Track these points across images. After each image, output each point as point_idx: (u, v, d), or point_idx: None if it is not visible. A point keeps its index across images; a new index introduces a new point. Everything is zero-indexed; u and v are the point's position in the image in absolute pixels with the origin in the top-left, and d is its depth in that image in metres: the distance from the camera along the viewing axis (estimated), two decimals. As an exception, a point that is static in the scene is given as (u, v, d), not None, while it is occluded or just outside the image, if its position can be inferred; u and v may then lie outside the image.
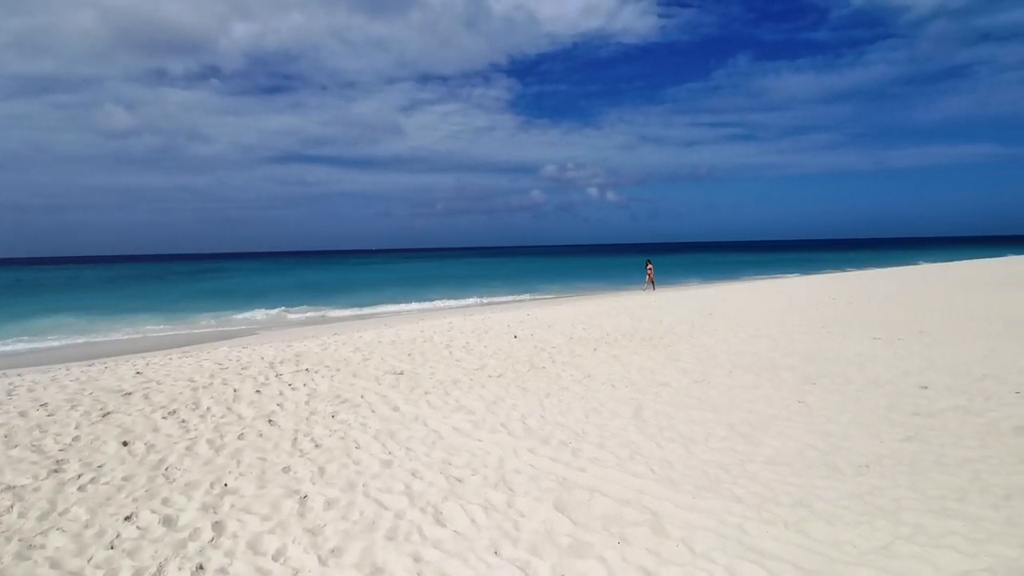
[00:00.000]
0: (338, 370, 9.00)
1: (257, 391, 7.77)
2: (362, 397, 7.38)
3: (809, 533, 3.73)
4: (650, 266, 27.83)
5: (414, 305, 24.77)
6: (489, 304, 24.23)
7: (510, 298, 27.35)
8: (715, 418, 6.16)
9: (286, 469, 5.09)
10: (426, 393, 7.47)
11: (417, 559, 3.60)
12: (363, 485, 4.70)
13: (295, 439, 5.86)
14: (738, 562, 3.43)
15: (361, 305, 25.38)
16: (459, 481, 4.71)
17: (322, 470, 5.03)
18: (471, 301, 26.29)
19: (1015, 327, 11.13)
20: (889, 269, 37.38)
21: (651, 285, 26.89)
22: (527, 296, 28.32)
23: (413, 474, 4.89)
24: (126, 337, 17.52)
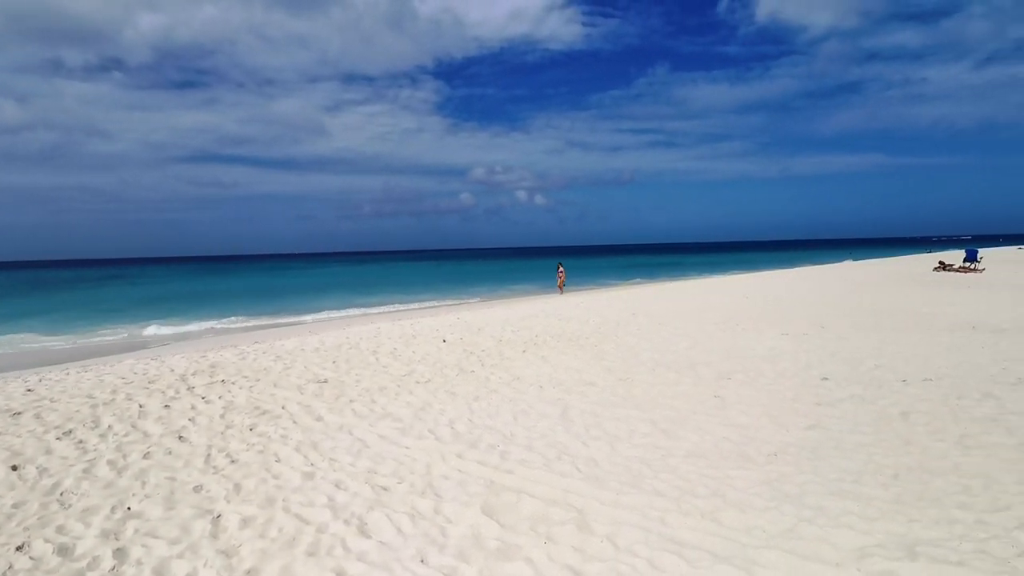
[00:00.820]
0: (257, 380, 8.59)
1: (166, 406, 7.28)
2: (283, 408, 7.07)
3: (723, 521, 3.92)
4: (561, 269, 27.94)
5: (340, 311, 24.07)
6: (418, 308, 23.93)
7: (440, 302, 27.14)
8: (638, 415, 6.36)
9: (197, 488, 4.79)
10: (351, 401, 7.26)
11: (340, 574, 3.48)
12: (283, 500, 4.50)
13: (208, 455, 5.53)
14: (659, 554, 3.55)
15: (283, 312, 24.39)
16: (385, 490, 4.61)
17: (238, 487, 4.78)
18: (399, 305, 25.87)
19: (902, 320, 12.23)
20: (796, 269, 40.08)
21: (560, 288, 26.93)
22: (457, 299, 28.20)
23: (337, 485, 4.74)
24: (15, 351, 15.96)
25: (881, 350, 9.25)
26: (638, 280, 39.83)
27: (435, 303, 26.55)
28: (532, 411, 6.63)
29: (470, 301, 26.88)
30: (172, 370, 9.58)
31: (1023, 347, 9.07)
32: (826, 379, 7.58)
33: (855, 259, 53.03)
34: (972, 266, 27.01)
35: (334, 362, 9.77)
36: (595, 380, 7.99)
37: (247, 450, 5.63)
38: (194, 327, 20.52)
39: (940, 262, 29.54)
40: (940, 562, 3.34)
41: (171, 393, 7.92)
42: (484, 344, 11.11)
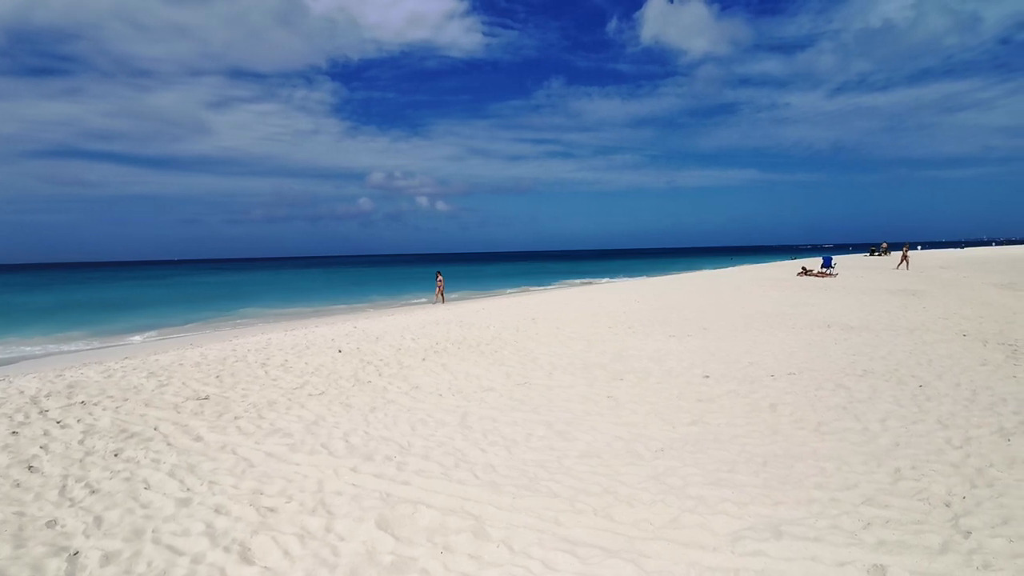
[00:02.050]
0: (125, 400, 7.79)
1: (13, 432, 6.41)
2: (156, 429, 6.46)
3: (614, 517, 4.09)
4: (440, 278, 26.99)
5: (226, 321, 22.48)
6: (312, 317, 22.88)
7: (336, 310, 26.14)
8: (536, 418, 6.48)
9: (51, 523, 4.25)
10: (236, 418, 6.78)
11: (219, 605, 3.23)
12: (153, 531, 4.10)
13: (64, 486, 4.92)
14: (553, 554, 3.63)
15: (161, 324, 22.38)
16: (272, 511, 4.34)
17: (99, 519, 4.30)
18: (293, 315, 24.62)
19: (771, 321, 13.45)
20: (682, 274, 42.87)
21: (441, 297, 26.02)
22: (355, 307, 27.31)
23: (217, 510, 4.40)
24: None
25: (753, 348, 10.11)
26: (538, 286, 40.73)
27: (331, 311, 25.53)
28: (431, 420, 6.55)
29: (368, 309, 26.12)
30: (21, 392, 8.46)
31: (868, 342, 10.30)
32: (707, 377, 8.15)
33: (733, 265, 57.81)
34: (828, 271, 30.31)
35: (217, 377, 9.09)
36: (494, 386, 8.05)
37: (111, 478, 5.09)
38: (52, 341, 18.25)
39: (803, 268, 32.86)
40: (801, 539, 3.69)
41: (19, 418, 6.99)
42: (382, 353, 10.85)
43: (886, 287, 21.76)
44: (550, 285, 41.13)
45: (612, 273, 56.56)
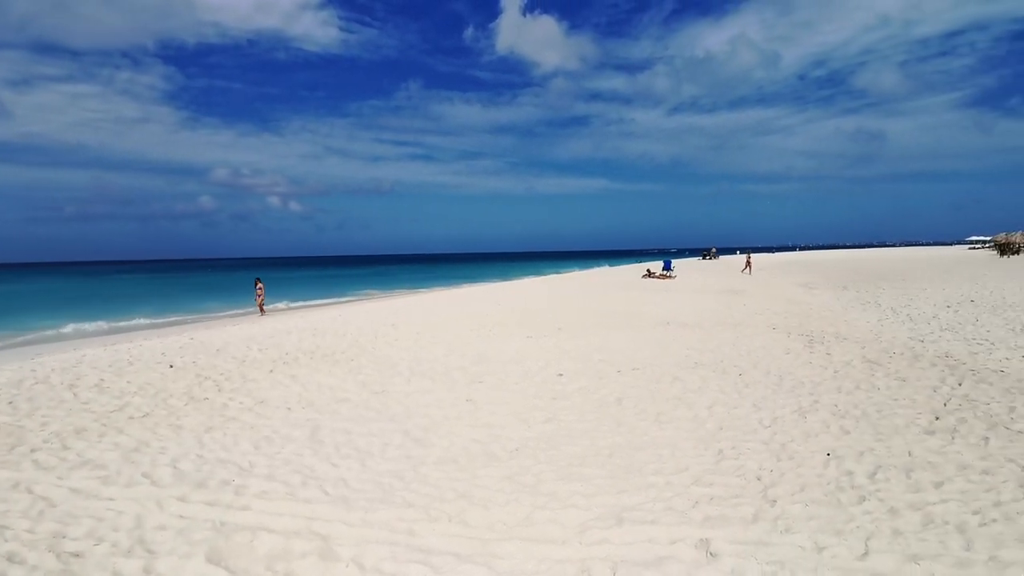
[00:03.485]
0: None
1: None
2: (-82, 472, 5.28)
3: (468, 521, 4.08)
4: (260, 285, 23.45)
5: (27, 338, 19.15)
6: (140, 330, 20.30)
7: (170, 321, 23.45)
8: (392, 427, 6.31)
9: None
10: (33, 451, 5.76)
11: None
12: (-91, 598, 3.34)
13: None
14: (406, 566, 3.53)
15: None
16: (77, 556, 3.73)
17: None
18: (116, 328, 21.64)
19: (619, 320, 14.45)
20: (540, 277, 44.65)
21: (260, 308, 23.11)
22: (192, 317, 24.70)
23: (9, 559, 3.68)
24: None
25: (603, 346, 10.78)
26: (398, 290, 39.97)
27: (163, 323, 22.85)
28: (277, 436, 6.09)
29: (210, 318, 23.78)
30: None
31: (699, 337, 11.45)
32: (561, 375, 8.51)
33: (587, 268, 61.52)
34: (668, 274, 33.34)
35: (10, 403, 7.68)
36: (349, 396, 7.71)
37: None
38: None
39: (647, 270, 35.80)
40: (640, 523, 3.96)
41: None
42: (223, 366, 9.91)
43: (715, 288, 24.44)
44: (412, 289, 40.57)
45: (474, 277, 57.24)
